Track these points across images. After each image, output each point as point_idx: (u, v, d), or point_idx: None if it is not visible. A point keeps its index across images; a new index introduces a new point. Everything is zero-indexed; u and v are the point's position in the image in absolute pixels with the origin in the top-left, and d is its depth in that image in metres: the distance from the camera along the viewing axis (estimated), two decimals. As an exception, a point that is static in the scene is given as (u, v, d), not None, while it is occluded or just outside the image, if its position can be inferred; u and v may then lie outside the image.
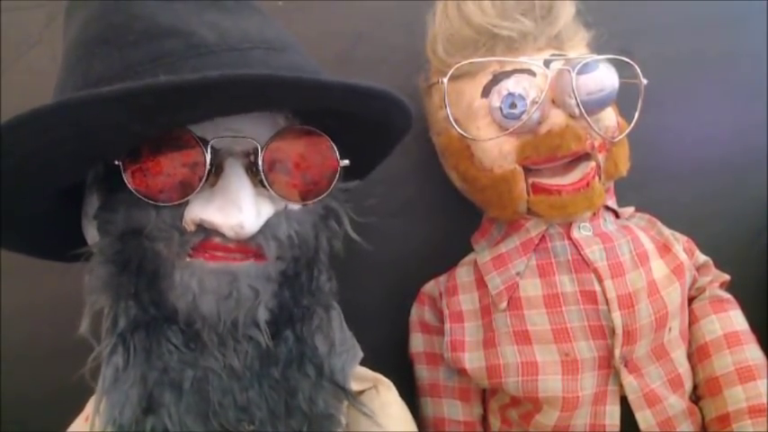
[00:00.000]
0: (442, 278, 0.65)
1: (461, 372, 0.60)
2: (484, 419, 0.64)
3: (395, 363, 0.63)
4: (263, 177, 0.42)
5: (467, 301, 0.61)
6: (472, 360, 0.59)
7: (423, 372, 0.64)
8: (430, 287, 0.66)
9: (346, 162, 0.46)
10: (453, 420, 0.61)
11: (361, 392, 0.52)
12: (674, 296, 0.57)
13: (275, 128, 0.44)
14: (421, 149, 0.68)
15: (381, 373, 0.54)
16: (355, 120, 0.44)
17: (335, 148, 0.45)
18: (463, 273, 0.63)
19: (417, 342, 0.65)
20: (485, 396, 0.63)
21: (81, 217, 0.47)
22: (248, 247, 0.42)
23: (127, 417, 0.40)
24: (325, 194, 0.45)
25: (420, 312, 0.65)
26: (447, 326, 0.61)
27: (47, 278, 0.66)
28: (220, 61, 0.39)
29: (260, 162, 0.42)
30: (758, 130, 0.81)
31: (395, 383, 0.55)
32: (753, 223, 0.82)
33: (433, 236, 0.74)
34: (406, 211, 0.73)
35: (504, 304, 0.57)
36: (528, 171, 0.57)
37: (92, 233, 0.45)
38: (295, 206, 0.45)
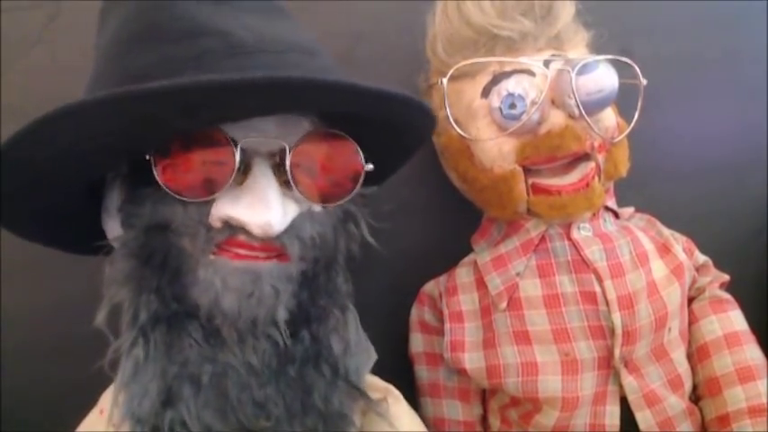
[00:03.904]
0: (442, 278, 0.65)
1: (461, 372, 0.60)
2: (484, 420, 0.64)
3: (395, 363, 0.63)
4: (289, 178, 0.42)
5: (467, 301, 0.61)
6: (472, 360, 0.59)
7: (423, 372, 0.64)
8: (430, 287, 0.66)
9: (371, 167, 0.46)
10: (453, 420, 0.62)
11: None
12: (673, 296, 0.57)
13: (300, 130, 0.44)
14: (421, 149, 0.68)
15: (381, 373, 0.54)
16: (379, 125, 0.45)
17: (361, 153, 0.46)
18: (463, 273, 0.63)
19: (417, 342, 0.65)
20: (485, 396, 0.63)
21: (100, 210, 0.47)
22: (272, 245, 0.42)
23: (145, 409, 0.40)
24: (348, 197, 0.46)
25: (420, 313, 0.65)
26: (447, 326, 0.61)
27: (47, 278, 0.66)
28: (259, 62, 0.40)
29: (287, 163, 0.42)
30: (758, 130, 0.81)
31: (395, 383, 0.54)
32: (753, 223, 0.82)
33: (433, 236, 0.74)
34: (406, 211, 0.73)
35: (504, 304, 0.57)
36: (528, 171, 0.57)
37: (112, 226, 0.45)
38: (317, 208, 0.45)
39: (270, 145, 0.43)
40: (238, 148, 0.41)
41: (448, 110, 0.57)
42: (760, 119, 0.81)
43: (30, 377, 0.67)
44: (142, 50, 0.40)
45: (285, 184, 0.43)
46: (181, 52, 0.39)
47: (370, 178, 0.48)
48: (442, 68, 0.58)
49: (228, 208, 0.41)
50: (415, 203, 0.74)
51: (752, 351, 0.58)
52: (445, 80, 0.56)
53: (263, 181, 0.41)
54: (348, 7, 0.71)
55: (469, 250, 0.65)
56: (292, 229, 0.43)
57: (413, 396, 0.64)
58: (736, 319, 0.60)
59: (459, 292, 0.62)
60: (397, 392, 0.54)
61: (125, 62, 0.41)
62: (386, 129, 0.46)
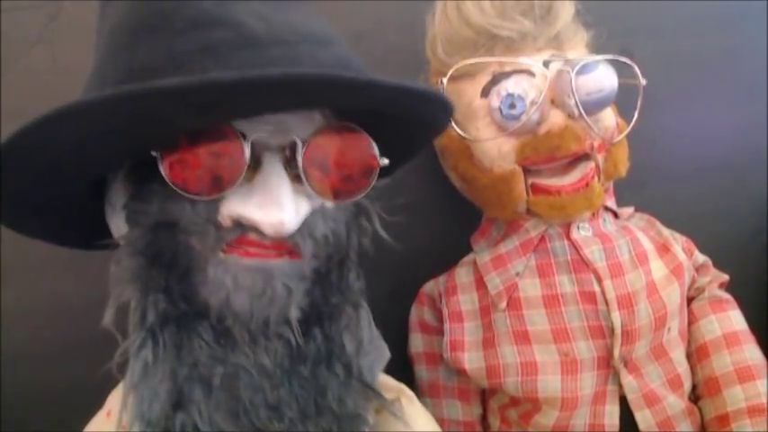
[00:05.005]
0: (442, 278, 0.65)
1: (461, 372, 0.60)
2: (483, 419, 0.64)
3: (394, 363, 0.63)
4: (301, 174, 0.41)
5: (466, 301, 0.61)
6: (472, 360, 0.59)
7: (422, 372, 0.64)
8: (429, 287, 0.66)
9: (386, 161, 0.44)
10: (453, 420, 0.62)
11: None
12: (673, 296, 0.57)
13: (312, 122, 0.42)
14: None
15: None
16: (393, 117, 0.43)
17: (375, 147, 0.44)
18: (463, 273, 0.63)
19: (417, 342, 0.65)
20: (484, 396, 0.64)
21: (103, 204, 0.46)
22: (284, 244, 0.41)
23: (156, 412, 0.39)
24: (363, 193, 0.44)
25: (419, 312, 0.65)
26: (446, 326, 0.61)
27: (47, 278, 0.66)
28: (270, 55, 0.38)
29: (300, 158, 0.40)
30: (758, 130, 0.81)
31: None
32: (752, 223, 0.82)
33: (433, 236, 0.74)
34: (406, 212, 0.73)
35: (504, 304, 0.57)
36: (527, 171, 0.57)
37: (117, 223, 0.44)
38: (330, 204, 0.44)
39: (281, 139, 0.41)
40: (248, 143, 0.39)
41: (448, 110, 0.57)
42: (760, 119, 0.81)
43: (29, 378, 0.67)
44: (147, 42, 0.38)
45: (297, 179, 0.41)
46: (187, 45, 0.37)
47: (381, 170, 0.47)
48: (441, 68, 0.58)
49: (239, 206, 0.40)
50: (415, 203, 0.73)
51: (751, 351, 0.58)
52: (445, 80, 0.56)
53: (275, 178, 0.40)
54: (348, 7, 0.71)
55: (469, 250, 0.65)
56: (305, 226, 0.41)
57: (412, 396, 0.64)
58: (735, 319, 0.60)
59: (459, 291, 0.62)
60: (410, 392, 0.53)
61: (129, 55, 0.39)
62: (400, 120, 0.44)
